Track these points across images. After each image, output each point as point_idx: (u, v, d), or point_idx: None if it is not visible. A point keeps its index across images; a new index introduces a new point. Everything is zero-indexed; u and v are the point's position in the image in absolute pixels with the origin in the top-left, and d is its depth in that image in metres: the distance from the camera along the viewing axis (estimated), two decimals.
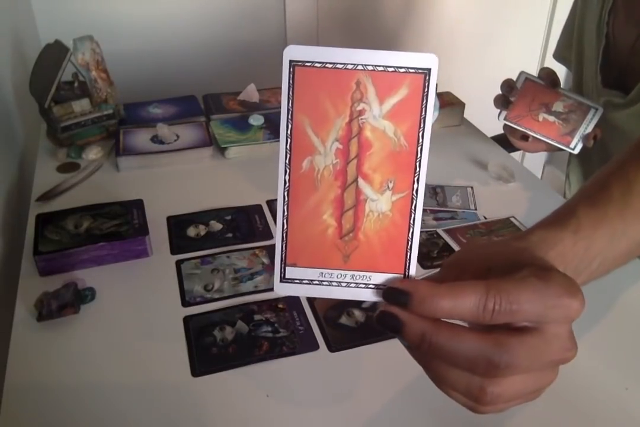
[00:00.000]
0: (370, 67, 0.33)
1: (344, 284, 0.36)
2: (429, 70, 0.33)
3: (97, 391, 0.62)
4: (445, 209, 0.92)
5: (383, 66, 0.33)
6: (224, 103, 1.22)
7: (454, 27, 1.94)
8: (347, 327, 0.70)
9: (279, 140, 0.35)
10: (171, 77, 1.69)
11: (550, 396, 0.38)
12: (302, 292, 0.37)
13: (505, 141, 1.07)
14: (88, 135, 1.10)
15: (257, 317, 0.71)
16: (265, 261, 0.80)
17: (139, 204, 0.87)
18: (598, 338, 0.68)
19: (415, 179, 0.35)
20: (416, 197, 0.35)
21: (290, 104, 0.34)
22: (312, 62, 0.33)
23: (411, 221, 0.35)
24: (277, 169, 0.35)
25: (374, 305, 0.37)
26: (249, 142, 1.08)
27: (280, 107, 0.34)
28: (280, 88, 0.34)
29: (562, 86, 0.96)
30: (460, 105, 1.20)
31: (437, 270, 0.41)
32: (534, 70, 0.95)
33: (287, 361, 0.65)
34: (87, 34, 1.06)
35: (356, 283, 0.36)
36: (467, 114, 1.22)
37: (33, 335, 0.69)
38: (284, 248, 0.36)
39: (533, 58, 2.10)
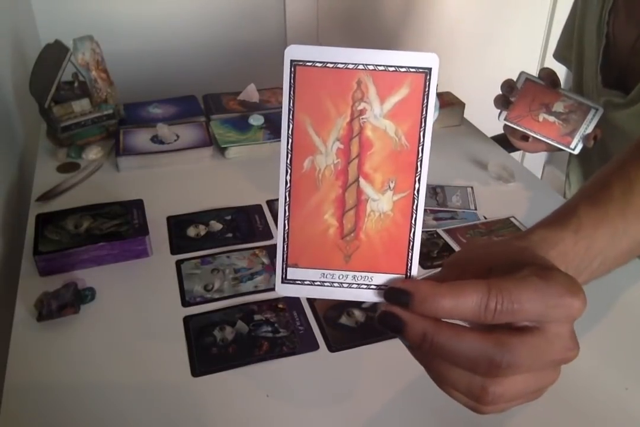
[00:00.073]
0: (371, 67, 0.33)
1: (345, 285, 0.36)
2: (430, 69, 0.33)
3: (97, 391, 0.62)
4: (445, 209, 0.92)
5: (384, 66, 0.33)
6: (224, 103, 1.22)
7: (454, 27, 1.94)
8: (347, 327, 0.69)
9: (279, 140, 0.35)
10: (171, 77, 1.69)
11: (550, 396, 0.38)
12: (304, 293, 0.37)
13: (505, 141, 1.07)
14: (88, 135, 1.10)
15: (257, 317, 0.71)
16: (265, 261, 0.80)
17: (139, 204, 0.87)
18: (598, 338, 0.68)
19: (417, 178, 0.35)
20: (417, 197, 0.35)
21: (291, 104, 0.34)
22: (313, 61, 0.33)
23: (412, 221, 0.35)
24: (278, 169, 0.35)
25: (375, 305, 0.37)
26: (249, 142, 1.08)
27: (281, 107, 0.34)
28: (281, 88, 0.34)
29: (562, 86, 0.96)
30: (460, 105, 1.20)
31: (438, 270, 0.41)
32: (534, 70, 0.95)
33: (287, 361, 0.65)
34: (87, 34, 1.06)
35: (358, 284, 0.36)
36: (467, 114, 1.22)
37: (33, 335, 0.69)
38: (285, 249, 0.36)
39: (533, 58, 2.10)
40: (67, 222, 0.83)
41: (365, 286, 0.36)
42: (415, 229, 0.35)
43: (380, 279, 0.36)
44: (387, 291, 0.35)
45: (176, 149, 1.05)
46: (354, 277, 0.36)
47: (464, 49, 1.98)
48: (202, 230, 0.87)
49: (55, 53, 1.04)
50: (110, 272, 0.78)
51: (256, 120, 1.13)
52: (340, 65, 0.33)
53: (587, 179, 1.09)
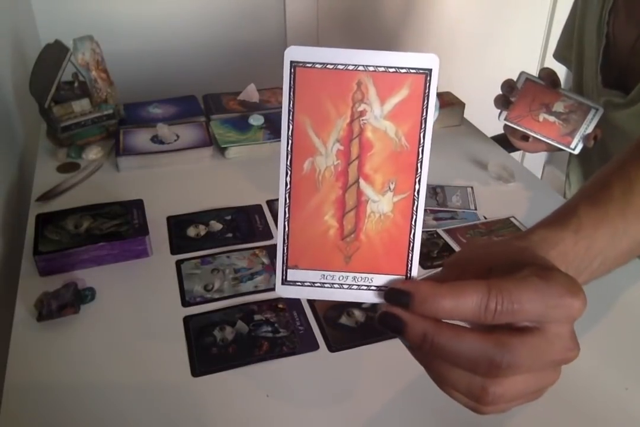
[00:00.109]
0: (371, 68, 0.33)
1: (345, 286, 0.36)
2: (430, 70, 0.33)
3: (97, 391, 0.62)
4: (445, 209, 0.92)
5: (384, 67, 0.33)
6: (224, 103, 1.22)
7: (454, 27, 1.94)
8: (347, 327, 0.69)
9: (279, 140, 0.35)
10: (171, 77, 1.69)
11: (551, 396, 0.38)
12: (304, 294, 0.37)
13: (505, 141, 1.07)
14: (88, 135, 1.10)
15: (257, 317, 0.71)
16: (265, 261, 0.80)
17: (139, 204, 0.87)
18: (598, 338, 0.68)
19: (417, 179, 0.35)
20: (417, 198, 0.35)
21: (291, 105, 0.34)
22: (313, 63, 0.33)
23: (412, 222, 0.35)
24: (278, 169, 0.35)
25: (375, 305, 0.37)
26: (249, 142, 1.08)
27: (280, 108, 0.34)
28: (281, 88, 0.34)
29: (562, 86, 0.96)
30: (460, 105, 1.20)
31: (438, 270, 0.41)
32: (534, 70, 0.95)
33: (287, 361, 0.65)
34: (87, 34, 1.06)
35: (358, 285, 0.36)
36: (467, 114, 1.22)
37: (33, 335, 0.69)
38: (285, 250, 0.36)
39: (533, 58, 2.10)
40: (67, 222, 0.83)
41: (365, 287, 0.36)
42: (415, 230, 0.35)
43: (381, 280, 0.36)
44: (388, 292, 0.35)
45: (176, 149, 1.05)
46: (354, 278, 0.36)
47: (464, 49, 1.98)
48: (202, 230, 0.87)
49: (55, 53, 1.04)
50: (110, 272, 0.78)
51: (256, 120, 1.13)
52: (340, 67, 0.33)
53: (587, 179, 1.09)
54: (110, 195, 0.91)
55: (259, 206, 0.93)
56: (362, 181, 0.35)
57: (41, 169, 1.03)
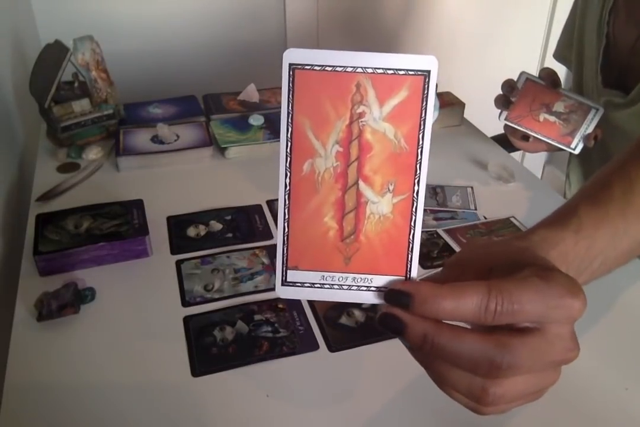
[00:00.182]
0: (370, 70, 0.33)
1: (345, 287, 0.36)
2: (429, 72, 0.33)
3: (97, 391, 0.62)
4: (445, 209, 0.92)
5: (383, 68, 0.33)
6: (224, 103, 1.22)
7: (454, 27, 1.94)
8: (347, 327, 0.69)
9: (279, 141, 0.35)
10: (171, 77, 1.69)
11: (551, 397, 0.38)
12: (304, 295, 0.37)
13: (505, 141, 1.07)
14: (88, 135, 1.10)
15: (257, 317, 0.71)
16: (265, 261, 0.80)
17: (139, 204, 0.87)
18: (598, 338, 0.68)
19: (416, 180, 0.35)
20: (417, 199, 0.35)
21: (290, 107, 0.34)
22: (312, 65, 0.33)
23: (412, 223, 0.35)
24: (278, 169, 0.35)
25: (375, 305, 0.37)
26: (249, 142, 1.08)
27: (280, 108, 0.34)
28: (281, 88, 0.34)
29: (562, 86, 0.96)
30: (460, 105, 1.20)
31: (438, 270, 0.41)
32: (534, 70, 0.95)
33: (287, 361, 0.65)
34: (87, 34, 1.06)
35: (357, 286, 0.36)
36: (467, 114, 1.22)
37: (33, 335, 0.69)
38: (285, 251, 0.36)
39: (533, 58, 2.10)
40: (67, 222, 0.83)
41: (365, 288, 0.36)
42: (414, 230, 0.35)
43: (380, 280, 0.36)
44: (388, 293, 0.35)
45: (176, 149, 1.05)
46: (353, 279, 0.36)
47: (464, 49, 1.98)
48: (202, 230, 0.87)
49: (55, 53, 1.04)
50: (110, 272, 0.78)
51: (256, 120, 1.13)
52: (338, 69, 0.33)
53: (587, 179, 1.09)
54: (110, 195, 0.91)
55: (259, 206, 0.93)
56: (361, 183, 0.35)
57: (41, 169, 1.03)
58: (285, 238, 0.36)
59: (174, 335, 0.68)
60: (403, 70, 0.33)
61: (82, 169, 1.02)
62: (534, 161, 2.25)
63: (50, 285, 0.74)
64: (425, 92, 0.34)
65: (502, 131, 1.01)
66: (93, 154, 1.06)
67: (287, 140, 0.34)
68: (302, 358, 0.66)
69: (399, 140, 0.34)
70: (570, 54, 1.05)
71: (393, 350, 0.53)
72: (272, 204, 0.93)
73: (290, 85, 0.34)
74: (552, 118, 0.93)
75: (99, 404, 0.60)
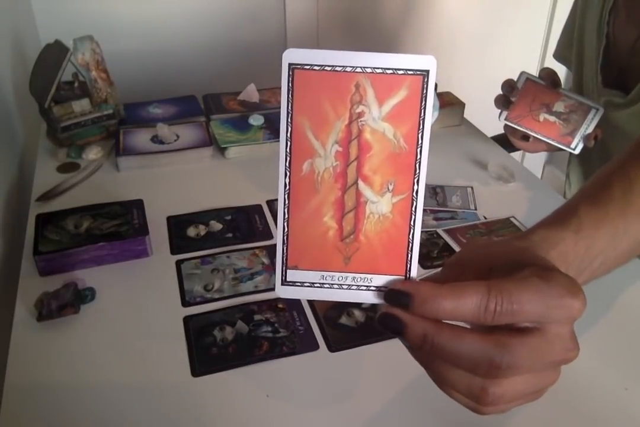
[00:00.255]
0: (369, 70, 0.33)
1: (345, 287, 0.36)
2: (428, 71, 0.33)
3: (97, 391, 0.62)
4: (445, 209, 0.92)
5: (382, 68, 0.33)
6: (224, 103, 1.22)
7: (454, 27, 1.94)
8: (347, 327, 0.69)
9: (279, 141, 0.35)
10: (171, 77, 1.69)
11: (550, 397, 0.38)
12: (304, 295, 0.37)
13: (505, 141, 1.07)
14: (88, 135, 1.10)
15: (257, 317, 0.71)
16: (265, 261, 0.80)
17: (139, 204, 0.87)
18: (598, 338, 0.68)
19: (415, 180, 0.35)
20: (416, 198, 0.35)
21: (289, 107, 0.34)
22: (311, 65, 0.33)
23: (412, 223, 0.35)
24: (277, 169, 0.35)
25: (375, 305, 0.37)
26: (249, 142, 1.08)
27: (280, 108, 0.34)
28: (280, 88, 0.34)
29: (562, 86, 0.96)
30: (460, 105, 1.20)
31: (438, 270, 0.41)
32: (534, 70, 0.95)
33: (287, 361, 0.65)
34: (87, 34, 1.06)
35: (357, 285, 0.36)
36: (467, 114, 1.22)
37: (33, 335, 0.69)
38: (285, 251, 0.36)
39: (533, 58, 2.10)
40: (67, 222, 0.83)
41: (364, 288, 0.36)
42: (414, 230, 0.35)
43: (380, 280, 0.36)
44: (387, 293, 0.35)
45: (176, 149, 1.05)
46: (353, 278, 0.36)
47: (464, 49, 1.98)
48: (202, 230, 0.87)
49: (55, 53, 1.04)
50: (110, 272, 0.78)
51: (256, 120, 1.13)
52: (338, 68, 0.33)
53: (587, 179, 1.09)
54: (110, 195, 0.91)
55: (259, 206, 0.93)
56: (361, 182, 0.35)
57: (41, 169, 1.03)
58: (285, 238, 0.36)
59: (174, 335, 0.69)
60: (402, 70, 0.33)
61: (82, 169, 1.02)
62: (534, 161, 2.25)
63: (50, 285, 0.74)
64: (424, 91, 0.34)
65: (502, 131, 1.01)
66: (93, 154, 1.06)
67: (286, 140, 0.34)
68: (302, 358, 0.66)
69: (398, 140, 0.34)
70: (570, 54, 1.05)
71: (393, 350, 0.53)
72: (272, 204, 0.93)
73: (290, 85, 0.34)
74: (552, 118, 0.93)
75: (99, 404, 0.60)
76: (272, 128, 1.11)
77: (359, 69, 0.33)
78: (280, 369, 0.64)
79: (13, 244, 0.91)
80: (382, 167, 0.35)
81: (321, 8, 1.77)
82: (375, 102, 0.34)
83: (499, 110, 0.97)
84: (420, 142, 0.34)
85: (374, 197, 0.35)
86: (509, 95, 0.95)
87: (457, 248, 0.83)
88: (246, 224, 0.88)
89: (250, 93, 1.23)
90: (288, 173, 0.35)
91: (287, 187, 0.35)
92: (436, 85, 1.21)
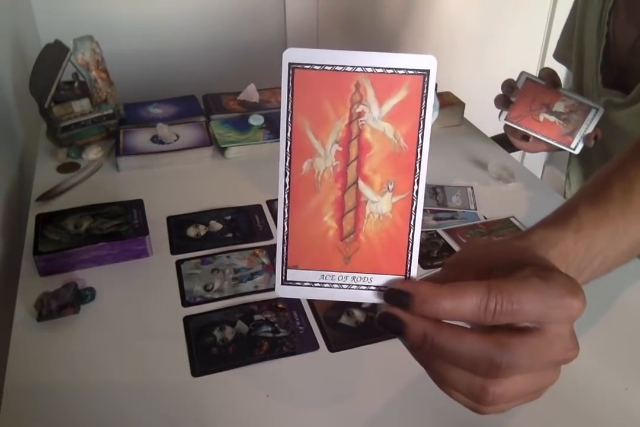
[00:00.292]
0: (369, 69, 0.33)
1: (345, 286, 0.36)
2: (428, 71, 0.33)
3: (97, 391, 0.62)
4: (445, 209, 0.92)
5: (382, 68, 0.33)
6: (224, 103, 1.22)
7: (454, 27, 1.94)
8: (347, 327, 0.69)
9: (279, 141, 0.35)
10: (171, 77, 1.69)
11: (550, 396, 0.38)
12: (304, 294, 0.37)
13: (505, 141, 1.07)
14: (88, 135, 1.10)
15: (257, 317, 0.71)
16: (265, 261, 0.80)
17: (139, 204, 0.87)
18: (598, 338, 0.68)
19: (416, 180, 0.35)
20: (416, 198, 0.35)
21: (289, 107, 0.34)
22: (311, 64, 0.33)
23: (412, 222, 0.35)
24: (277, 169, 0.35)
25: (375, 305, 0.37)
26: (249, 142, 1.08)
27: (280, 108, 0.34)
28: (280, 88, 0.34)
29: (562, 86, 0.96)
30: (460, 105, 1.20)
31: (438, 270, 0.41)
32: (534, 70, 0.95)
33: (287, 361, 0.65)
34: (87, 34, 1.06)
35: (357, 285, 0.36)
36: (467, 114, 1.22)
37: (33, 335, 0.69)
38: (285, 250, 0.36)
39: (533, 58, 2.10)
40: (67, 222, 0.83)
41: (364, 287, 0.36)
42: (414, 230, 0.35)
43: (380, 279, 0.36)
44: (387, 292, 0.35)
45: (176, 149, 1.05)
46: (353, 278, 0.36)
47: (464, 49, 1.98)
48: (202, 230, 0.87)
49: (55, 53, 1.04)
50: (110, 272, 0.78)
51: (256, 120, 1.13)
52: (338, 68, 0.33)
53: (587, 179, 1.08)
54: (110, 195, 0.91)
55: (259, 206, 0.93)
56: (361, 182, 0.35)
57: (41, 169, 1.03)
58: (285, 237, 0.36)
59: (174, 335, 0.68)
60: (402, 69, 0.33)
61: (82, 169, 1.02)
62: (534, 161, 2.25)
63: (50, 285, 0.74)
64: (425, 91, 0.34)
65: (502, 131, 1.01)
66: (93, 154, 1.06)
67: (286, 140, 0.34)
68: (302, 358, 0.66)
69: (398, 139, 0.34)
70: (570, 54, 1.05)
71: (393, 350, 0.53)
72: (272, 204, 0.93)
73: (290, 84, 0.34)
74: (552, 118, 0.93)
75: (99, 404, 0.60)
76: (272, 128, 1.11)
77: (359, 69, 0.33)
78: (280, 369, 0.64)
79: (13, 244, 0.91)
80: (382, 166, 0.35)
81: (321, 8, 1.77)
82: (376, 102, 0.34)
83: (499, 110, 0.97)
84: (420, 142, 0.34)
85: (374, 196, 0.35)
86: (509, 95, 0.95)
87: (457, 248, 0.83)
88: (246, 224, 0.88)
89: (250, 93, 1.23)
90: (288, 173, 0.35)
91: (287, 187, 0.35)
92: (436, 85, 1.21)
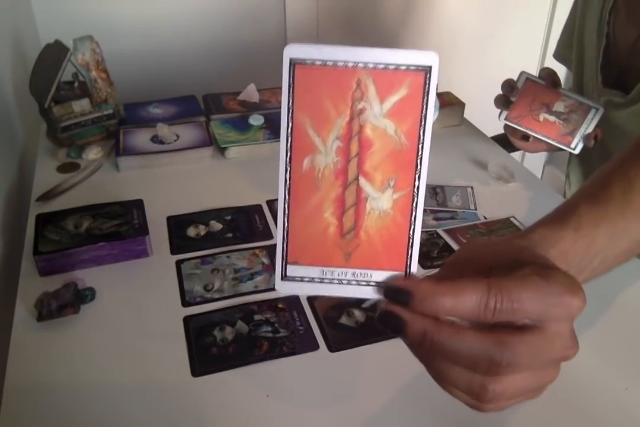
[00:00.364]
0: (371, 65, 0.33)
1: (344, 282, 0.36)
2: (430, 68, 0.33)
3: (97, 391, 0.62)
4: (445, 209, 0.92)
5: (384, 64, 0.33)
6: (224, 103, 1.22)
7: (454, 27, 1.94)
8: (347, 327, 0.69)
9: (279, 140, 0.34)
10: (171, 77, 1.69)
11: (550, 396, 0.38)
12: (304, 290, 0.37)
13: (505, 141, 1.07)
14: (88, 135, 1.10)
15: (257, 317, 0.71)
16: (265, 261, 0.80)
17: (139, 204, 0.87)
18: (598, 337, 0.68)
19: (416, 177, 0.35)
20: (417, 195, 0.35)
21: (290, 103, 0.34)
22: (313, 60, 0.33)
23: (412, 219, 0.35)
24: (278, 169, 0.35)
25: (375, 305, 0.37)
26: (249, 142, 1.08)
27: (280, 106, 0.34)
28: (281, 88, 0.34)
29: (562, 86, 0.96)
30: (460, 105, 1.20)
31: (438, 270, 0.41)
32: (534, 70, 0.95)
33: (287, 361, 0.65)
34: (87, 34, 1.06)
35: (357, 281, 0.36)
36: (467, 114, 1.22)
37: (33, 335, 0.68)
38: (285, 247, 0.36)
39: (533, 58, 2.10)
40: (67, 222, 0.83)
41: (364, 283, 0.36)
42: (414, 227, 0.35)
43: (380, 276, 0.36)
44: (387, 290, 0.35)
45: (176, 149, 1.05)
46: (353, 274, 0.36)
47: (464, 49, 1.98)
48: (202, 230, 0.87)
49: (55, 53, 1.04)
50: (110, 272, 0.78)
51: (256, 120, 1.13)
52: (339, 64, 0.33)
53: (587, 179, 1.08)
54: (110, 195, 0.91)
55: (259, 206, 0.93)
56: (361, 179, 0.35)
57: (41, 169, 1.03)
58: (286, 234, 0.36)
59: (174, 335, 0.68)
60: (404, 66, 0.33)
61: (82, 169, 1.02)
62: (534, 161, 2.25)
63: (50, 285, 0.74)
64: (426, 88, 0.33)
65: (502, 131, 1.01)
66: (93, 154, 1.06)
67: (287, 137, 0.34)
68: (302, 358, 0.66)
69: (399, 136, 0.34)
70: (570, 54, 1.05)
71: (393, 350, 0.53)
72: (272, 204, 0.93)
73: (291, 81, 0.34)
74: (552, 118, 0.93)
75: (99, 404, 0.60)
76: (272, 128, 1.11)
77: (360, 65, 0.33)
78: (280, 369, 0.64)
79: (13, 244, 0.91)
80: (383, 163, 0.35)
81: (321, 8, 1.77)
82: (377, 99, 0.34)
83: (499, 110, 0.97)
84: (421, 138, 0.34)
85: (375, 193, 0.35)
86: (509, 95, 0.95)
87: (457, 248, 0.83)
88: (246, 224, 0.88)
89: (250, 93, 1.23)
90: (288, 169, 0.35)
91: (288, 184, 0.35)
92: (437, 83, 1.21)
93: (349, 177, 0.35)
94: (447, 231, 0.87)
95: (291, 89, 0.34)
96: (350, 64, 0.33)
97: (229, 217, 0.90)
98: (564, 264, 0.38)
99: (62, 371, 0.64)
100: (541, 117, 0.94)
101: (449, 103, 1.20)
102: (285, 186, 0.35)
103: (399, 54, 0.33)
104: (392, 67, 0.33)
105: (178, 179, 1.01)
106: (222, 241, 0.85)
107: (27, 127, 1.20)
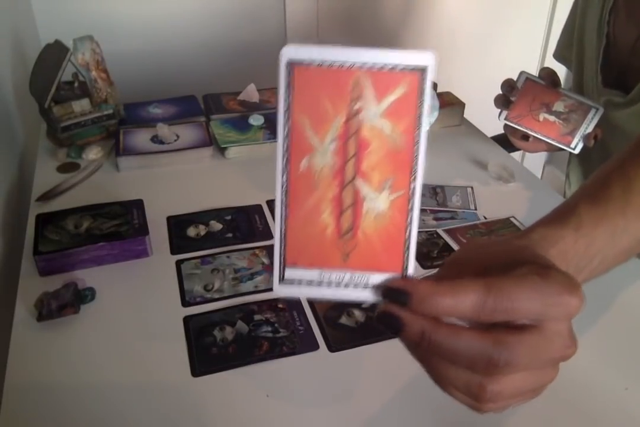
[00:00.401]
0: (368, 66, 0.33)
1: (342, 285, 0.36)
2: (425, 68, 0.33)
3: (97, 391, 0.62)
4: (445, 209, 0.92)
5: (381, 64, 0.33)
6: (224, 103, 1.22)
7: (454, 27, 1.94)
8: (347, 327, 0.69)
9: None
10: (171, 77, 1.69)
11: (550, 396, 0.38)
12: (302, 293, 0.37)
13: (505, 141, 1.07)
14: (88, 135, 1.10)
15: (257, 317, 0.71)
16: (265, 261, 0.80)
17: (139, 204, 0.87)
18: (598, 337, 0.67)
19: (413, 177, 0.35)
20: (414, 195, 0.35)
21: (287, 104, 0.34)
22: (310, 61, 0.33)
23: (409, 219, 0.35)
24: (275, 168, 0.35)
25: (374, 305, 0.37)
26: (249, 142, 1.08)
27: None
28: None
29: (562, 86, 0.96)
30: (460, 105, 1.20)
31: (437, 270, 0.41)
32: (534, 70, 0.95)
33: (287, 361, 0.65)
34: (87, 34, 1.06)
35: (355, 284, 0.36)
36: (467, 114, 1.22)
37: (33, 335, 0.69)
38: (282, 249, 0.36)
39: (533, 58, 2.10)
40: (67, 222, 0.83)
41: (362, 286, 0.36)
42: (412, 227, 0.35)
43: (378, 278, 0.36)
44: (386, 291, 0.35)
45: (176, 149, 1.05)
46: (351, 277, 0.36)
47: (464, 49, 1.98)
48: (202, 230, 0.87)
49: (55, 53, 1.04)
50: (110, 272, 0.78)
51: (256, 120, 1.13)
52: (337, 65, 0.33)
53: (587, 178, 1.08)
54: (110, 195, 0.91)
55: (259, 206, 0.93)
56: (359, 179, 0.35)
57: (41, 169, 1.03)
58: (283, 236, 0.36)
59: (174, 335, 0.68)
60: (401, 66, 0.33)
61: (82, 169, 1.02)
62: (534, 161, 2.25)
63: (50, 285, 0.74)
64: (422, 88, 0.33)
65: (502, 131, 1.01)
66: (93, 154, 1.06)
67: (284, 137, 0.34)
68: (302, 358, 0.66)
69: (396, 136, 0.34)
70: (570, 54, 1.05)
71: (393, 350, 0.53)
72: (272, 204, 0.93)
73: (289, 82, 0.34)
74: (552, 118, 0.93)
75: (99, 404, 0.60)
76: (272, 128, 1.11)
77: (357, 66, 0.33)
78: (280, 369, 0.64)
79: (13, 244, 0.91)
80: (381, 163, 0.35)
81: (321, 8, 1.77)
82: (374, 99, 0.34)
83: (499, 110, 0.97)
84: (418, 138, 0.34)
85: (372, 194, 0.35)
86: (509, 95, 0.95)
87: (457, 248, 0.83)
88: (246, 224, 0.88)
89: (250, 93, 1.23)
90: (286, 170, 0.35)
91: (285, 185, 0.35)
92: (436, 85, 1.21)
93: (347, 177, 0.35)
94: (447, 231, 0.87)
95: (289, 90, 0.34)
96: (347, 65, 0.33)
97: (229, 217, 0.90)
98: (564, 263, 0.38)
99: (62, 371, 0.64)
100: (541, 117, 0.94)
101: (449, 103, 1.20)
102: (282, 188, 0.35)
103: (395, 54, 0.33)
104: (388, 67, 0.33)
105: (178, 179, 1.01)
106: (222, 241, 0.85)
107: (27, 127, 1.20)
